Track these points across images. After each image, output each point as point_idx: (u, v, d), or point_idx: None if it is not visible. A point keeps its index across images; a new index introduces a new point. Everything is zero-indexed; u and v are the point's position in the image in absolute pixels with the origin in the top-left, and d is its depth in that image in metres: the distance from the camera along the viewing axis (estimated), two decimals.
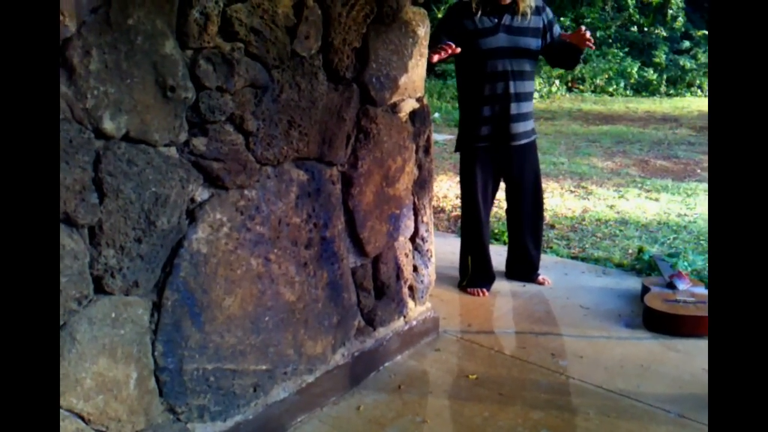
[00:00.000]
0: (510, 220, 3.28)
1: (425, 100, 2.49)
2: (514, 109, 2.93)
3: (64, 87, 1.37)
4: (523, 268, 3.32)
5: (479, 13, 2.86)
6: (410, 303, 2.56)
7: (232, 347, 1.83)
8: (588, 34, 2.76)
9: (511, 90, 2.90)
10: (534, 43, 2.94)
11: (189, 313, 1.70)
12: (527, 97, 3.00)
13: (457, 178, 6.00)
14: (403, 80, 2.29)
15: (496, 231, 4.03)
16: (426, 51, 2.43)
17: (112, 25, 1.42)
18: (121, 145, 1.50)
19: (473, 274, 3.18)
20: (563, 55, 3.01)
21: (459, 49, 2.64)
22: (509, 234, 3.34)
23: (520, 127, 2.99)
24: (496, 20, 2.87)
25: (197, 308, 1.72)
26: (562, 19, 15.54)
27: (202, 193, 1.71)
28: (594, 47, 2.86)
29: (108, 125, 1.45)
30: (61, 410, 1.45)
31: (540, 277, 3.30)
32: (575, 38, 2.81)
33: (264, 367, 1.94)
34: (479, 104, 2.94)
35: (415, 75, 2.36)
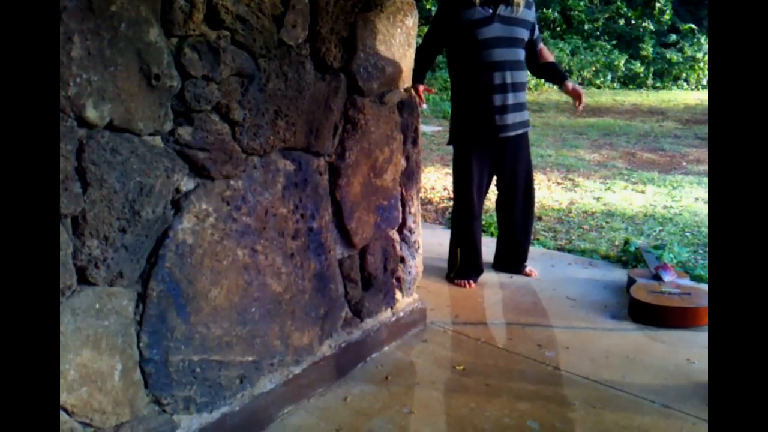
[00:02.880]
0: (501, 211, 3.28)
1: (413, 91, 2.48)
2: (511, 99, 2.93)
3: None
4: (512, 259, 3.33)
5: (477, 2, 2.85)
6: (397, 294, 2.55)
7: (218, 338, 1.82)
8: (581, 106, 3.06)
9: (508, 80, 2.91)
10: (526, 34, 2.98)
11: (174, 304, 1.69)
12: (522, 87, 3.00)
13: (445, 170, 6.01)
14: (390, 70, 2.28)
15: (485, 223, 4.04)
16: (414, 41, 2.42)
17: (95, 11, 1.40)
18: (104, 133, 1.47)
19: (462, 265, 3.18)
20: (545, 74, 3.20)
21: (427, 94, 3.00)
22: (499, 225, 3.34)
23: (517, 117, 2.99)
24: (491, 10, 2.87)
25: (183, 299, 1.71)
26: (548, 11, 15.59)
27: (187, 183, 1.69)
28: (579, 110, 3.11)
29: (91, 113, 1.43)
30: None
31: (527, 269, 3.32)
32: (573, 93, 3.04)
33: (250, 359, 1.93)
34: (476, 95, 2.93)
35: (403, 65, 2.35)
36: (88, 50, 1.40)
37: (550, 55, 3.17)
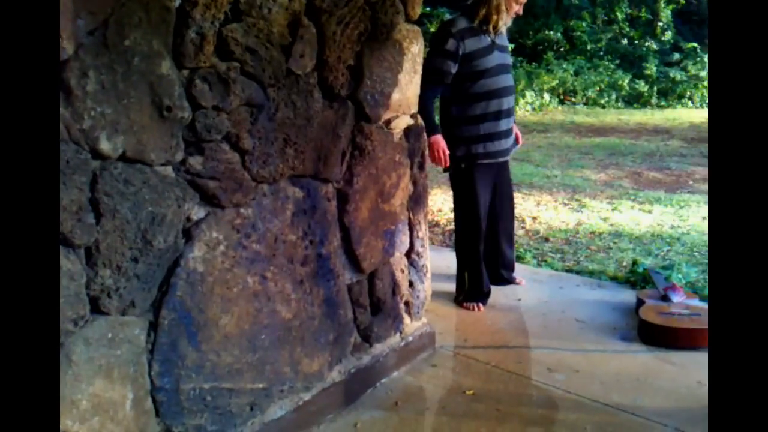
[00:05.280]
0: (489, 227, 3.31)
1: (419, 117, 2.51)
2: (511, 123, 3.10)
3: (62, 108, 1.37)
4: (504, 270, 3.42)
5: (480, 33, 2.94)
6: (406, 318, 2.55)
7: (228, 366, 1.83)
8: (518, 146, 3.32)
9: (506, 106, 3.04)
10: (511, 59, 3.17)
11: (185, 332, 1.70)
12: (514, 111, 3.20)
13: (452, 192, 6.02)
14: (397, 97, 2.31)
15: None
16: (420, 68, 2.45)
17: (109, 47, 1.43)
18: (117, 165, 1.50)
19: (470, 288, 3.19)
20: None
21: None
22: (487, 240, 3.34)
23: (512, 140, 3.18)
24: (489, 39, 2.97)
25: (194, 327, 1.72)
26: (550, 32, 15.71)
27: (198, 212, 1.71)
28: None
29: (105, 145, 1.46)
30: None
31: (517, 278, 3.45)
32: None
33: (261, 386, 1.94)
34: (479, 121, 3.01)
35: (409, 92, 2.38)
36: (103, 84, 1.43)
37: None
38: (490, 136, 3.02)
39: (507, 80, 3.03)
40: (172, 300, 1.66)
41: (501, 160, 3.12)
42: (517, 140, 3.29)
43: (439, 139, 2.97)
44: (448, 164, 3.02)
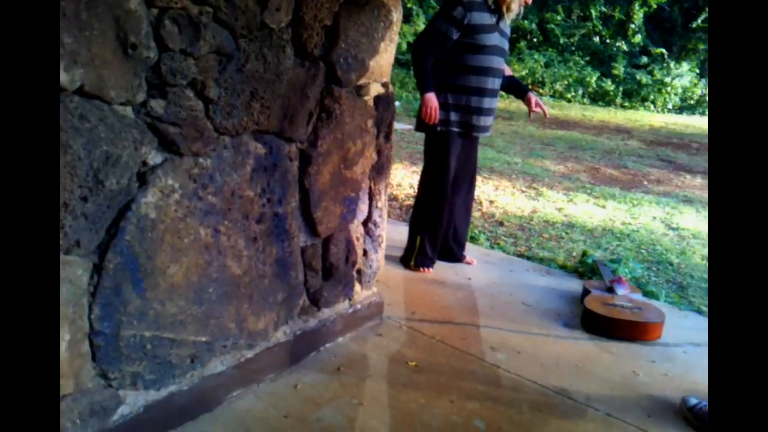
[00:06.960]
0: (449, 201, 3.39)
1: (391, 87, 2.49)
2: (494, 103, 3.18)
3: None
4: (455, 248, 3.50)
5: (487, 9, 3.00)
6: (357, 286, 2.56)
7: (172, 316, 1.80)
8: (540, 110, 3.29)
9: (496, 86, 3.14)
10: (508, 46, 3.23)
11: (131, 277, 1.66)
12: (498, 93, 3.26)
13: (413, 168, 6.03)
14: (370, 63, 2.28)
15: None
16: (396, 37, 2.42)
17: None
18: (74, 98, 1.44)
19: (420, 253, 3.31)
20: (508, 86, 3.35)
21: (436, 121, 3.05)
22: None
23: (491, 120, 3.24)
24: (495, 19, 3.04)
25: (140, 274, 1.68)
26: (525, 22, 15.78)
27: (155, 157, 1.66)
28: (535, 112, 3.31)
29: (61, 77, 1.39)
30: None
31: (468, 257, 3.53)
32: (537, 105, 3.28)
33: (203, 339, 1.91)
34: (466, 94, 3.08)
35: (383, 59, 2.35)
36: (63, 11, 1.36)
37: (508, 70, 3.39)
38: (471, 110, 3.09)
39: (499, 62, 3.11)
40: (120, 244, 1.61)
41: (475, 135, 3.20)
42: (539, 106, 3.30)
43: (432, 97, 3.01)
44: (437, 121, 3.04)
